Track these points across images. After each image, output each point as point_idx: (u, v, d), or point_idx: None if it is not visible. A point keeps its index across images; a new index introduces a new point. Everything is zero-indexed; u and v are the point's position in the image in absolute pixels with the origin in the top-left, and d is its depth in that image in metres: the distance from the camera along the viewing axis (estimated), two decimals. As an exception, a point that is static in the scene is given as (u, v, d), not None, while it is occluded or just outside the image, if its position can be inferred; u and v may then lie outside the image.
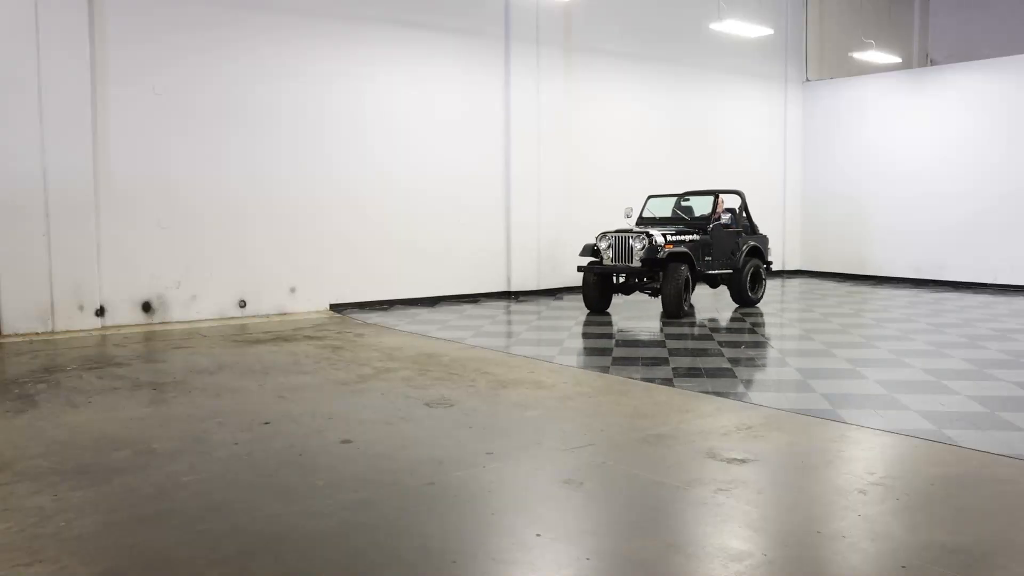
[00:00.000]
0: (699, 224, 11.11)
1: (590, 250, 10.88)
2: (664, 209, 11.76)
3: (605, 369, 7.22)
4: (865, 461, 4.63)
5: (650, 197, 11.96)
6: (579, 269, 10.89)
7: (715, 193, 11.50)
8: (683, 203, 11.71)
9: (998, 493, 4.16)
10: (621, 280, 10.94)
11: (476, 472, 4.43)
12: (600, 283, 10.82)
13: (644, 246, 10.26)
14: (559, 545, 3.50)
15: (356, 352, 8.01)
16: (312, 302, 10.95)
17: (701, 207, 11.54)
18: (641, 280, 10.73)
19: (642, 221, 11.64)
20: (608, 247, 10.65)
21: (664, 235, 10.46)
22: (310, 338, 8.86)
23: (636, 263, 10.34)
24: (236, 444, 4.93)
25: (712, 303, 12.08)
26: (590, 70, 13.51)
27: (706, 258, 11.00)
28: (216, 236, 10.13)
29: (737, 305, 11.66)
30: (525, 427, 5.33)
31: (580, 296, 11.80)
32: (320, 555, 3.39)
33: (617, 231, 10.70)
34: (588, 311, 10.95)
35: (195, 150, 9.94)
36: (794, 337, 9.23)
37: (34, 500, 3.98)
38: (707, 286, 12.04)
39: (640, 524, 3.74)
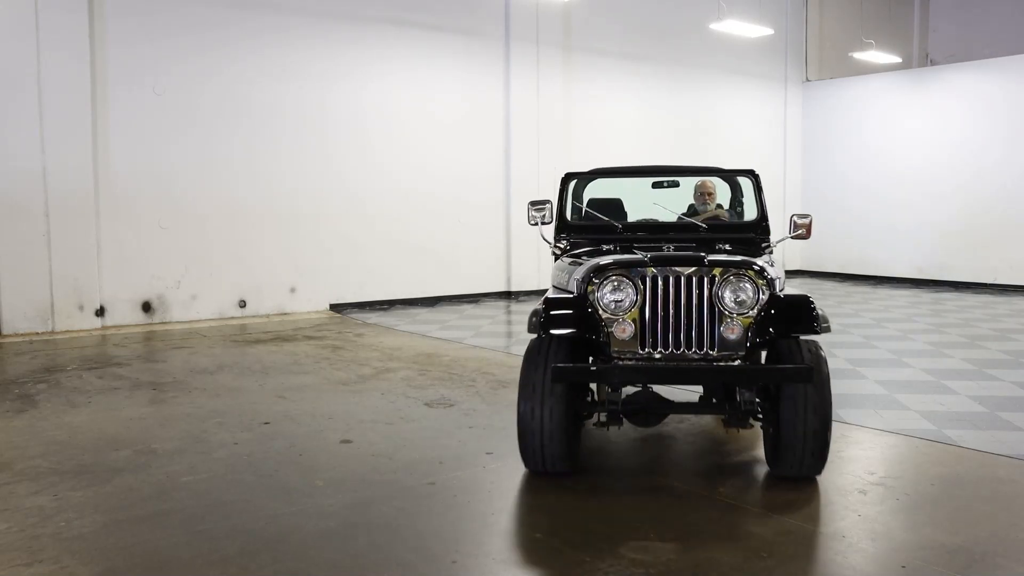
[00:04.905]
0: (737, 235, 5.41)
1: (564, 321, 4.27)
2: (611, 206, 5.92)
3: (605, 369, 7.20)
4: (865, 461, 4.63)
5: (573, 177, 5.85)
6: (560, 375, 4.06)
7: (730, 172, 5.99)
8: (664, 186, 6.15)
9: (998, 493, 4.16)
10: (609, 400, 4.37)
11: (476, 472, 4.43)
12: (569, 406, 4.22)
13: (757, 301, 4.17)
14: (559, 545, 3.50)
15: (356, 352, 8.01)
16: (312, 302, 10.95)
17: (680, 198, 6.19)
18: (717, 397, 4.54)
19: (569, 229, 5.60)
20: (631, 306, 4.18)
21: (762, 268, 4.28)
22: (310, 338, 8.86)
23: (726, 348, 4.12)
24: (236, 444, 4.93)
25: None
26: (590, 70, 13.51)
27: None
28: (216, 236, 10.13)
29: None
30: (525, 427, 5.32)
31: None
32: (320, 555, 3.39)
33: (656, 258, 4.26)
34: (532, 470, 4.38)
35: (195, 150, 9.94)
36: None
37: (34, 500, 3.98)
38: None
39: (640, 524, 3.74)
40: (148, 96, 9.59)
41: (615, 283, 4.21)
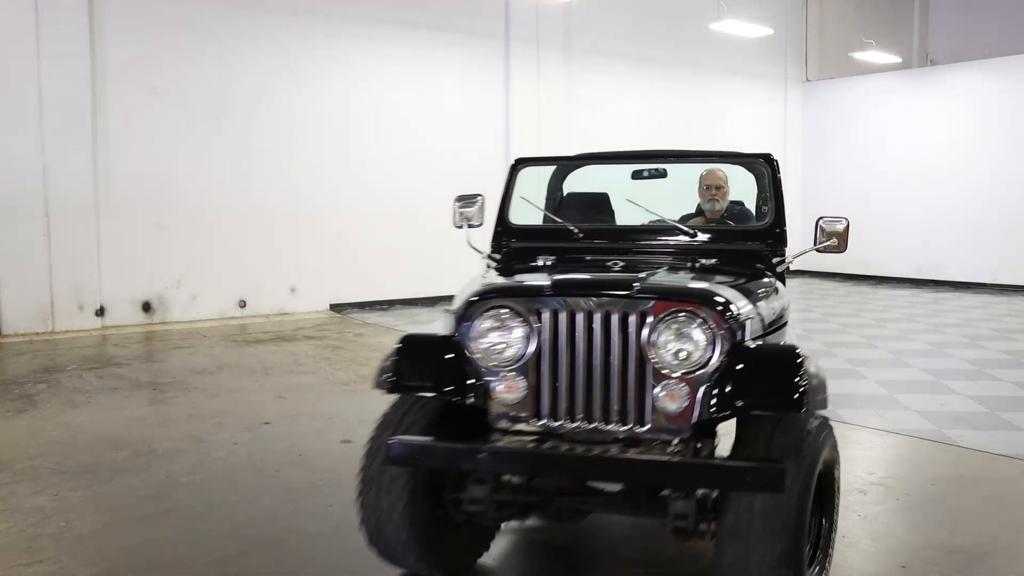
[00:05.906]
0: (741, 244, 4.00)
1: (424, 373, 2.96)
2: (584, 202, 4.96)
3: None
4: (865, 461, 4.63)
5: (524, 163, 4.81)
6: (400, 456, 2.71)
7: (738, 157, 4.88)
8: (644, 176, 5.01)
9: (998, 493, 4.16)
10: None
11: (476, 472, 4.42)
12: (428, 493, 2.93)
13: (712, 354, 2.73)
14: (559, 544, 3.50)
15: (356, 352, 8.01)
16: (312, 302, 10.95)
17: (685, 195, 5.23)
18: (644, 495, 2.91)
19: (511, 233, 4.46)
20: (520, 355, 2.85)
21: (726, 302, 2.85)
22: (310, 338, 8.86)
23: (663, 423, 2.75)
24: (236, 444, 4.93)
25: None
26: (590, 70, 13.50)
27: None
28: (216, 236, 10.12)
29: None
30: (525, 427, 5.31)
31: None
32: (320, 555, 3.39)
33: (561, 283, 2.93)
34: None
35: (195, 150, 9.93)
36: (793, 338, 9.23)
37: (34, 500, 3.98)
38: None
39: (638, 523, 3.74)
40: (148, 96, 9.59)
41: (497, 319, 2.88)
